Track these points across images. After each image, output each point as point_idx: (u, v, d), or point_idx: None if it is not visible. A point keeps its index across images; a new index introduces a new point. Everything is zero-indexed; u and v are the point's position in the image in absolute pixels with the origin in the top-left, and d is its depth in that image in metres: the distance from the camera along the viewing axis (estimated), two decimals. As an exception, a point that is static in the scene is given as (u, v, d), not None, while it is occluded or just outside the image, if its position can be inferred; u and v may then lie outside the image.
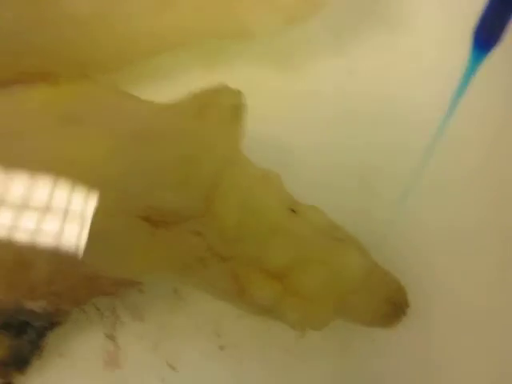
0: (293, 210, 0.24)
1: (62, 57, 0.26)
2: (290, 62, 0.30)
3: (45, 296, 0.23)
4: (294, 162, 0.28)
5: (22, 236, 0.22)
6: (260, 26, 0.27)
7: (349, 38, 0.30)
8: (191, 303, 0.27)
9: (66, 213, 0.22)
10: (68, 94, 0.24)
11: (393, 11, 0.30)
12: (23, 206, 0.22)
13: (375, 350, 0.26)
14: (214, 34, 0.28)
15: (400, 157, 0.28)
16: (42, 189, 0.22)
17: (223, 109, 0.23)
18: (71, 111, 0.24)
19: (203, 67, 0.29)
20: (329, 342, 0.26)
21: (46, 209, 0.22)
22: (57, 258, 0.22)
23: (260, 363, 0.26)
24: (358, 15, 0.30)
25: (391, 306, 0.23)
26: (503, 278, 0.27)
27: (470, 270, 0.27)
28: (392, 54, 0.30)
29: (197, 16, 0.27)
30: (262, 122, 0.26)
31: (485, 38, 0.23)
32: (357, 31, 0.30)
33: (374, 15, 0.30)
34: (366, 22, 0.30)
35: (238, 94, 0.24)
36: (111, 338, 0.26)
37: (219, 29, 0.28)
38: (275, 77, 0.30)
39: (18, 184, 0.23)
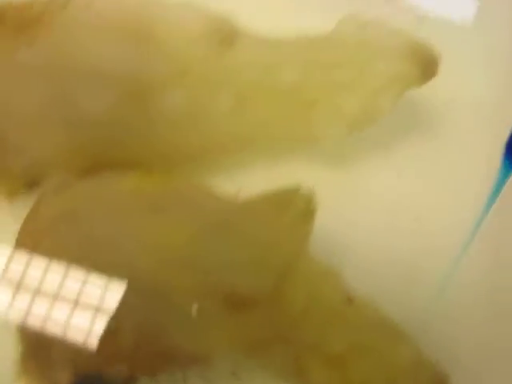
0: (350, 303, 0.27)
1: (149, 149, 0.29)
2: (343, 163, 0.33)
3: (125, 362, 0.25)
4: (345, 256, 0.31)
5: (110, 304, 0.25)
6: (326, 132, 0.31)
7: (396, 143, 0.34)
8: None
9: (153, 290, 0.25)
10: (156, 185, 0.28)
11: (435, 121, 0.34)
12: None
13: None
14: (281, 137, 0.31)
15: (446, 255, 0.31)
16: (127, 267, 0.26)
17: (297, 210, 0.27)
18: (158, 201, 0.27)
19: (262, 164, 0.32)
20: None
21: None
22: (142, 328, 0.25)
23: None
24: (403, 123, 0.34)
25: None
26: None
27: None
28: (436, 160, 0.33)
29: (270, 121, 0.31)
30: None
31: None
32: (403, 138, 0.34)
33: (419, 122, 0.34)
34: (411, 129, 0.34)
35: (311, 197, 0.27)
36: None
37: (287, 133, 0.31)
38: (328, 177, 0.33)
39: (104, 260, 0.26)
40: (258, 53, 0.30)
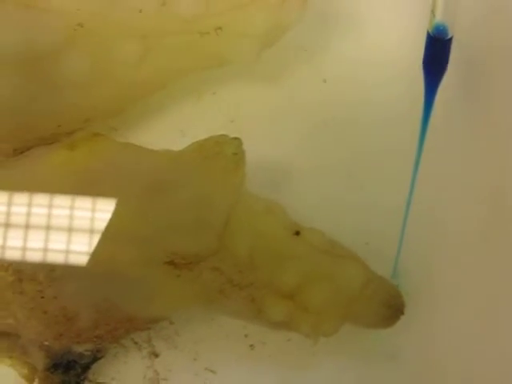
0: (296, 234, 0.27)
1: (67, 117, 0.28)
2: (268, 78, 0.32)
3: (89, 339, 0.26)
4: (284, 171, 0.31)
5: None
6: (237, 55, 0.29)
7: (319, 49, 0.32)
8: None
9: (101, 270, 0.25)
10: (83, 155, 0.27)
11: (355, 20, 0.32)
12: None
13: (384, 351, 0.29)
14: (195, 67, 0.30)
15: (386, 156, 0.31)
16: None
17: (226, 158, 0.26)
18: (86, 172, 0.26)
19: (191, 97, 0.31)
20: (341, 344, 0.29)
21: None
22: (98, 308, 0.25)
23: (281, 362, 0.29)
24: (324, 28, 0.32)
25: (389, 308, 0.27)
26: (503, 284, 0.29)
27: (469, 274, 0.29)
28: (360, 59, 0.32)
29: (177, 55, 0.29)
30: (249, 140, 0.28)
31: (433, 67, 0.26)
32: (325, 42, 0.32)
33: (339, 25, 0.32)
34: (332, 33, 0.32)
35: (237, 142, 0.26)
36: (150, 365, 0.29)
37: (200, 62, 0.30)
38: (256, 95, 0.32)
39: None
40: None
